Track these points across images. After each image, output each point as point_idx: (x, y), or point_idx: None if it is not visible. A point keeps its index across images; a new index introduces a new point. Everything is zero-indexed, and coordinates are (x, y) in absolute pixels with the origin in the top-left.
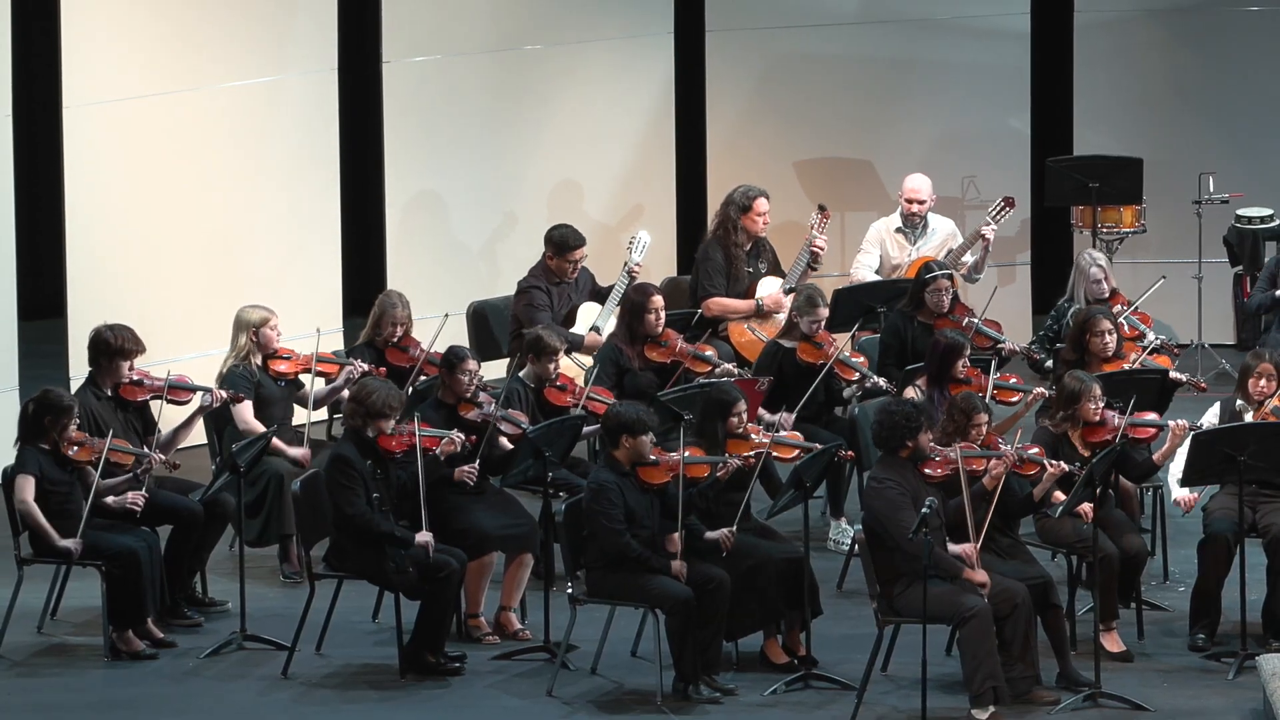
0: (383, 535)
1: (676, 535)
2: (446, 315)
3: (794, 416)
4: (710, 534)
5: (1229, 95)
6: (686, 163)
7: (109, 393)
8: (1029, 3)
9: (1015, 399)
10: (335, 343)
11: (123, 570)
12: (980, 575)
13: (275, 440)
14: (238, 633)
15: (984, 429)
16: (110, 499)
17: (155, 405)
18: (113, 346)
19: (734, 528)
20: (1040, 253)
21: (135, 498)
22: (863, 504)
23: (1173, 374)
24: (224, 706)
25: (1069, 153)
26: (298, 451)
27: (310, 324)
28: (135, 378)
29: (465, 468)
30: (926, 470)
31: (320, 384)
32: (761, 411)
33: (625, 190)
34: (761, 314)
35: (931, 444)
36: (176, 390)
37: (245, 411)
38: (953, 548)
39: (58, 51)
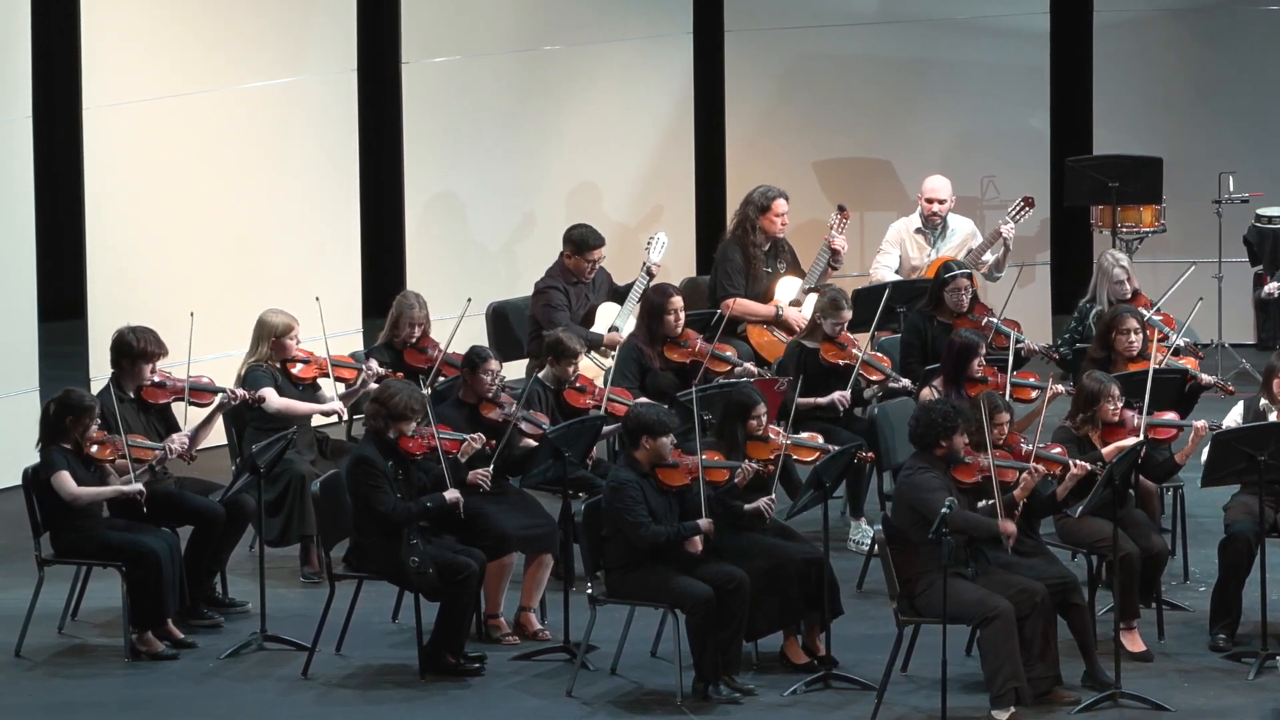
0: (417, 515)
1: (697, 538)
2: (470, 300)
3: (849, 393)
4: (749, 505)
5: (1249, 94)
6: (705, 163)
7: (131, 395)
8: (1048, 2)
9: (1032, 396)
10: (355, 344)
11: (143, 571)
12: (1010, 525)
13: (310, 406)
14: (258, 633)
15: (1006, 428)
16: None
17: (177, 407)
18: (135, 349)
19: (772, 495)
20: (1060, 252)
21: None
22: (892, 495)
23: (1202, 377)
24: (244, 707)
25: (1088, 152)
26: (332, 404)
27: (329, 326)
28: (157, 380)
29: (480, 471)
30: (957, 476)
31: (340, 388)
32: (815, 400)
33: (644, 190)
34: (780, 323)
35: (966, 446)
36: (198, 392)
37: (274, 400)
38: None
39: (77, 53)
